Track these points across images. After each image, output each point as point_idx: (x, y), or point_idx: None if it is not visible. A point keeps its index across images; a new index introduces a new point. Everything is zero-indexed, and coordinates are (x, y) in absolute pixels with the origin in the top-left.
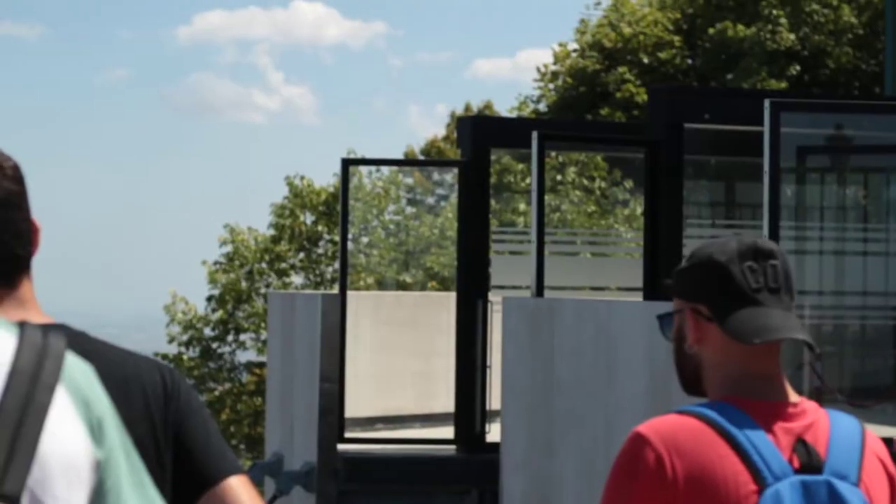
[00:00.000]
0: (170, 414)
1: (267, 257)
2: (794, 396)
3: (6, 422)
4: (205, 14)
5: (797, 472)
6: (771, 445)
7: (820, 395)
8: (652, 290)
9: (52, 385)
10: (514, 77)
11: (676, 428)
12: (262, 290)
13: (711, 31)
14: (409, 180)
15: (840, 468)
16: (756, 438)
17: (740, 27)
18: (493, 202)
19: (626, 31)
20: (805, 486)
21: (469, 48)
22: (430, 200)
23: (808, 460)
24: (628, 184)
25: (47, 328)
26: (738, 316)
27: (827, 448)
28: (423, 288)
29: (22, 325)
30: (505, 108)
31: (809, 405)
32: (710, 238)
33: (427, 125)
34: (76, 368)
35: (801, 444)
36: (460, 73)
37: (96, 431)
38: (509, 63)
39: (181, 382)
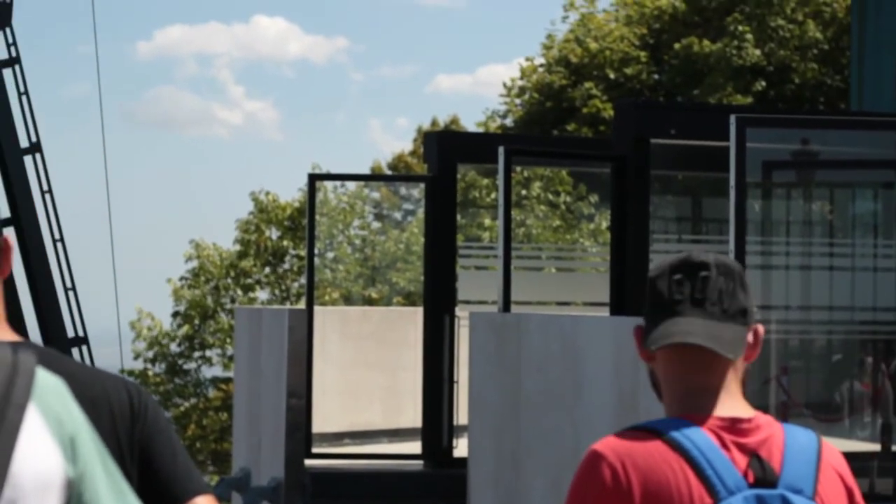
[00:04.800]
0: (136, 433)
1: (232, 272)
2: (748, 411)
3: None
4: (165, 29)
5: (752, 486)
6: (725, 460)
7: (786, 410)
8: (618, 304)
9: (22, 404)
10: (475, 92)
11: (631, 444)
12: (228, 306)
13: (677, 46)
14: (376, 195)
15: (795, 482)
16: (710, 453)
17: (706, 43)
18: (458, 217)
19: (593, 46)
20: (759, 499)
21: (430, 63)
22: (398, 215)
23: (763, 474)
24: (593, 198)
25: (17, 345)
26: (656, 327)
27: (782, 462)
28: (389, 303)
29: None
30: (471, 122)
31: (764, 420)
32: (676, 253)
33: (389, 139)
34: (48, 385)
35: (755, 459)
36: (422, 88)
37: (69, 449)
38: (470, 78)
39: (149, 401)
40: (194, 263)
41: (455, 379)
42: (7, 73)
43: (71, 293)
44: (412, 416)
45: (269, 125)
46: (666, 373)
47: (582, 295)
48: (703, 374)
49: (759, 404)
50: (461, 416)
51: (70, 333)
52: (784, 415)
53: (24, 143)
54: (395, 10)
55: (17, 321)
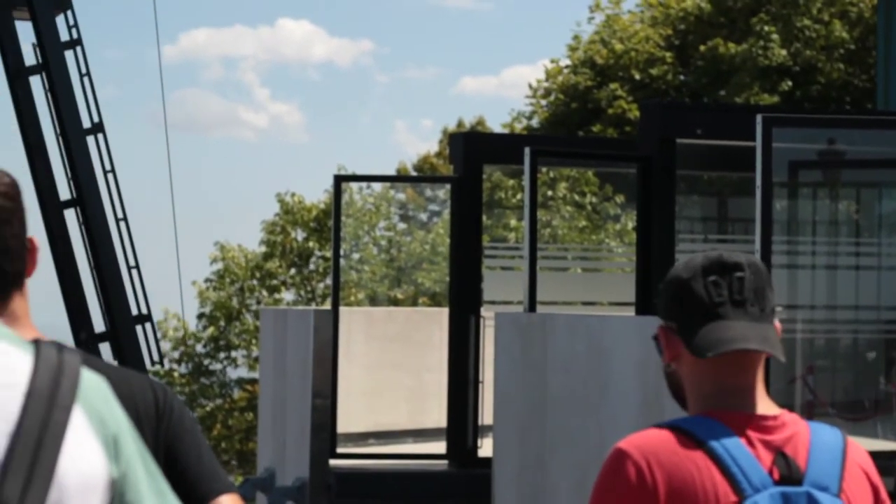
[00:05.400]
0: (162, 432)
1: (258, 274)
2: (773, 409)
3: (25, 445)
4: (190, 32)
5: (777, 483)
6: (750, 457)
7: (812, 409)
8: (644, 304)
9: (68, 405)
10: (499, 94)
11: (656, 442)
12: (254, 307)
13: (703, 48)
14: (402, 196)
15: (820, 479)
16: (735, 450)
17: (731, 45)
18: (484, 218)
19: (618, 47)
20: (785, 497)
21: (455, 65)
22: (423, 216)
23: (788, 472)
24: (619, 199)
25: (62, 346)
26: (700, 331)
27: (807, 460)
28: (415, 304)
29: (37, 343)
30: (496, 123)
31: (790, 417)
32: (701, 252)
33: (413, 140)
34: (91, 385)
35: (780, 456)
36: (447, 90)
37: (112, 448)
38: (495, 80)
39: (174, 401)
40: (219, 265)
41: (480, 379)
42: (69, 55)
43: (134, 271)
44: (437, 416)
45: (295, 127)
46: (697, 373)
47: (608, 295)
48: (738, 374)
49: (785, 403)
50: (486, 416)
51: (133, 311)
52: (810, 414)
53: (86, 124)
54: (420, 12)
55: (79, 303)
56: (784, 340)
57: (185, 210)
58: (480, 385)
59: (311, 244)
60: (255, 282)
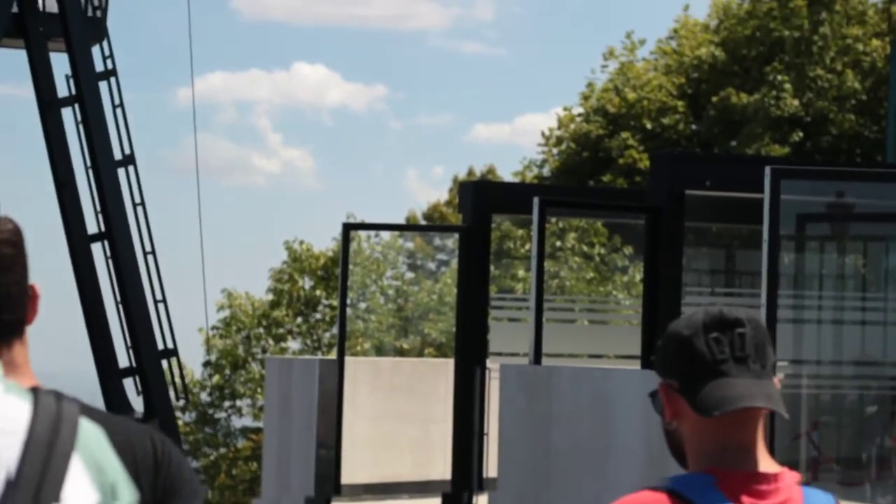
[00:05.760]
0: (160, 482)
1: (265, 322)
2: (774, 467)
3: (25, 491)
4: (206, 76)
5: None
6: None
7: (817, 465)
8: (650, 357)
9: (67, 453)
10: (512, 141)
11: None
12: (259, 356)
13: (715, 98)
14: (410, 245)
15: None
16: None
17: (743, 95)
18: (491, 268)
19: (631, 95)
20: None
21: (469, 112)
22: (431, 265)
23: None
24: (627, 250)
25: (61, 395)
26: (703, 389)
27: None
28: (421, 354)
29: (36, 392)
30: (507, 171)
31: (789, 478)
32: (706, 306)
33: (424, 188)
34: (89, 434)
35: None
36: (460, 137)
37: (109, 496)
38: (508, 128)
39: (172, 451)
40: (226, 313)
41: (486, 432)
42: (103, 86)
43: (161, 305)
44: (442, 468)
45: (307, 173)
46: (699, 432)
47: (614, 348)
48: (741, 432)
49: (790, 459)
50: (491, 468)
51: (160, 346)
52: (814, 470)
53: (117, 156)
54: (435, 58)
55: (104, 338)
56: (789, 396)
57: (193, 255)
58: (486, 437)
59: (318, 292)
60: (261, 330)
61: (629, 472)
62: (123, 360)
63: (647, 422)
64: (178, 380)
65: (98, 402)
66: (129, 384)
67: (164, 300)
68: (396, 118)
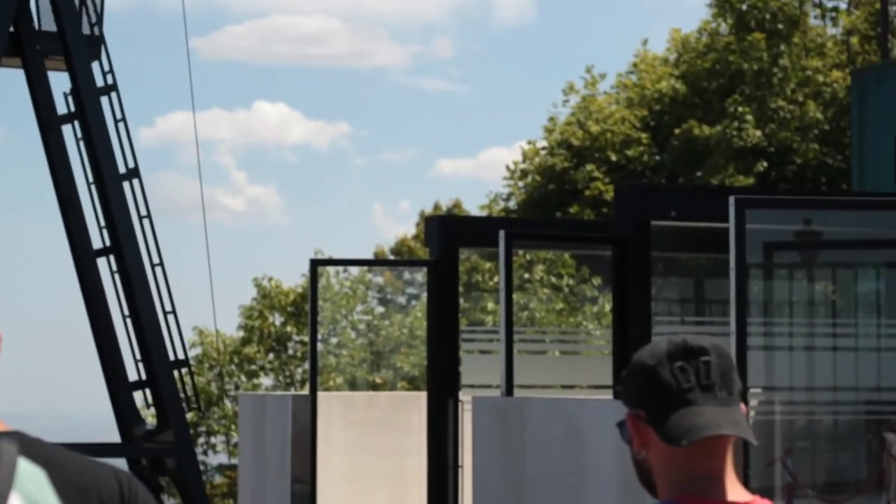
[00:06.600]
0: None
1: (236, 359)
2: (745, 495)
3: None
4: (167, 116)
5: None
6: None
7: (792, 491)
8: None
9: (4, 493)
10: (477, 175)
11: None
12: (232, 392)
13: (677, 130)
14: (380, 279)
15: None
16: None
17: (705, 127)
18: (461, 301)
19: (594, 128)
20: None
21: (433, 147)
22: (402, 300)
23: None
24: (596, 281)
25: (2, 435)
26: (670, 418)
27: None
28: (394, 388)
29: None
30: (473, 205)
31: None
32: (674, 334)
33: (391, 223)
34: (28, 475)
35: None
36: (424, 172)
37: None
38: (472, 162)
39: (139, 489)
40: (198, 350)
41: (460, 464)
42: (104, 101)
43: (170, 316)
44: (417, 501)
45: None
46: (667, 461)
47: (586, 378)
48: (709, 460)
49: (764, 486)
50: (466, 500)
51: (171, 357)
52: (789, 496)
53: (121, 170)
54: (396, 95)
55: (113, 352)
56: (762, 422)
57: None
58: (460, 469)
59: (288, 328)
60: (233, 367)
61: (604, 502)
62: (132, 373)
63: (620, 451)
64: (189, 390)
65: (108, 415)
66: (138, 397)
67: (173, 311)
68: (360, 154)
